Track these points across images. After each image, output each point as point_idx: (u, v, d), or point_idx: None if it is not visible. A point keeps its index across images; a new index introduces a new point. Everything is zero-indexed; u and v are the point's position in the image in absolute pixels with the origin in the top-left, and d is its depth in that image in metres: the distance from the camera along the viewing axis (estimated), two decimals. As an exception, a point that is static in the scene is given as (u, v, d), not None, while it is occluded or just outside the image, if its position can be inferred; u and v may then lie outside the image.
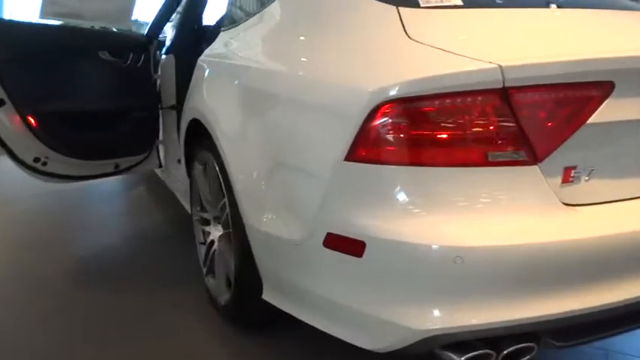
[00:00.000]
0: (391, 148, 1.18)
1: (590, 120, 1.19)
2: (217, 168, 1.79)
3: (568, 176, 1.23)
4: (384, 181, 1.20)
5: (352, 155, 1.22)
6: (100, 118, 2.64)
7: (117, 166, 2.79)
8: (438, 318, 1.18)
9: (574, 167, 1.23)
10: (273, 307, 1.62)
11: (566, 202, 1.22)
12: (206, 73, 2.02)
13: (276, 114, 1.48)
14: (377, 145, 1.19)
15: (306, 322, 1.49)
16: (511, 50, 1.20)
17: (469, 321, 1.17)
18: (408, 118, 1.16)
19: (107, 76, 2.61)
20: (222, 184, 1.76)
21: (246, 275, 1.71)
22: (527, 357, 1.24)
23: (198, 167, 2.08)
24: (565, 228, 1.18)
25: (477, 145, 1.16)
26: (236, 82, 1.71)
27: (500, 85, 1.13)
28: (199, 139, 2.03)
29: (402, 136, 1.17)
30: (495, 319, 1.17)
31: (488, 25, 1.34)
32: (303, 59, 1.47)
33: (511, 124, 1.16)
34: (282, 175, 1.46)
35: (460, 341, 1.22)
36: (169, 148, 2.98)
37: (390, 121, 1.17)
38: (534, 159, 1.18)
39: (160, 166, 3.02)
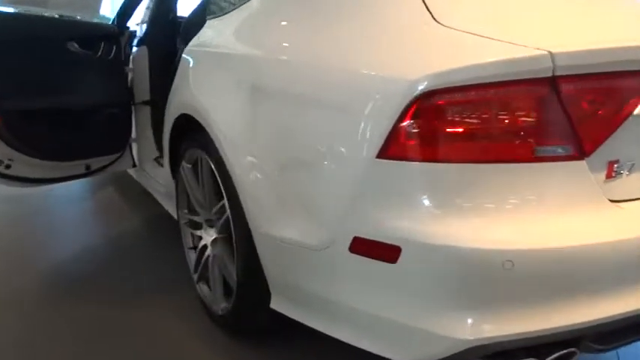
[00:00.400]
0: (430, 143, 1.08)
1: (636, 111, 1.13)
2: (214, 168, 1.64)
3: (611, 171, 1.16)
4: (422, 179, 1.10)
5: (386, 152, 1.11)
6: (69, 115, 2.43)
7: (88, 167, 2.59)
8: (483, 327, 1.09)
9: (617, 161, 1.17)
10: (279, 315, 1.50)
11: (610, 198, 1.15)
12: (197, 65, 1.87)
13: (292, 110, 1.35)
14: (414, 141, 1.08)
15: (324, 332, 1.38)
16: (554, 36, 1.12)
17: (516, 329, 1.09)
18: (447, 110, 1.06)
19: (76, 69, 2.40)
20: (221, 185, 1.62)
21: (251, 283, 1.58)
22: (570, 363, 1.17)
23: (186, 167, 1.93)
24: (615, 227, 1.11)
25: (524, 140, 1.08)
26: (238, 75, 1.57)
27: (550, 74, 1.04)
28: (189, 136, 1.88)
29: (441, 130, 1.07)
30: (543, 326, 1.09)
31: (519, 9, 1.26)
32: (321, 48, 1.34)
33: (559, 116, 1.07)
34: (298, 176, 1.33)
35: (502, 350, 1.14)
36: (144, 146, 2.79)
37: (429, 114, 1.07)
38: (582, 153, 1.10)
39: (134, 165, 2.84)
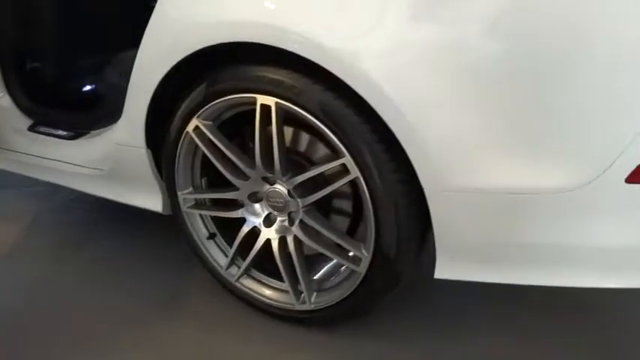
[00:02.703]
0: None
1: None
2: (315, 117, 1.14)
3: None
4: None
5: None
6: None
7: None
8: None
9: None
10: None
11: None
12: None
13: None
14: None
15: (539, 284, 1.15)
16: None
17: None
18: None
19: None
20: (337, 140, 1.14)
21: (400, 258, 1.21)
22: None
23: (206, 126, 1.31)
24: None
25: None
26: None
27: None
28: (215, 81, 1.27)
29: None
30: None
31: None
32: None
33: None
34: (541, 105, 0.97)
35: None
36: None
37: None
38: None
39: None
